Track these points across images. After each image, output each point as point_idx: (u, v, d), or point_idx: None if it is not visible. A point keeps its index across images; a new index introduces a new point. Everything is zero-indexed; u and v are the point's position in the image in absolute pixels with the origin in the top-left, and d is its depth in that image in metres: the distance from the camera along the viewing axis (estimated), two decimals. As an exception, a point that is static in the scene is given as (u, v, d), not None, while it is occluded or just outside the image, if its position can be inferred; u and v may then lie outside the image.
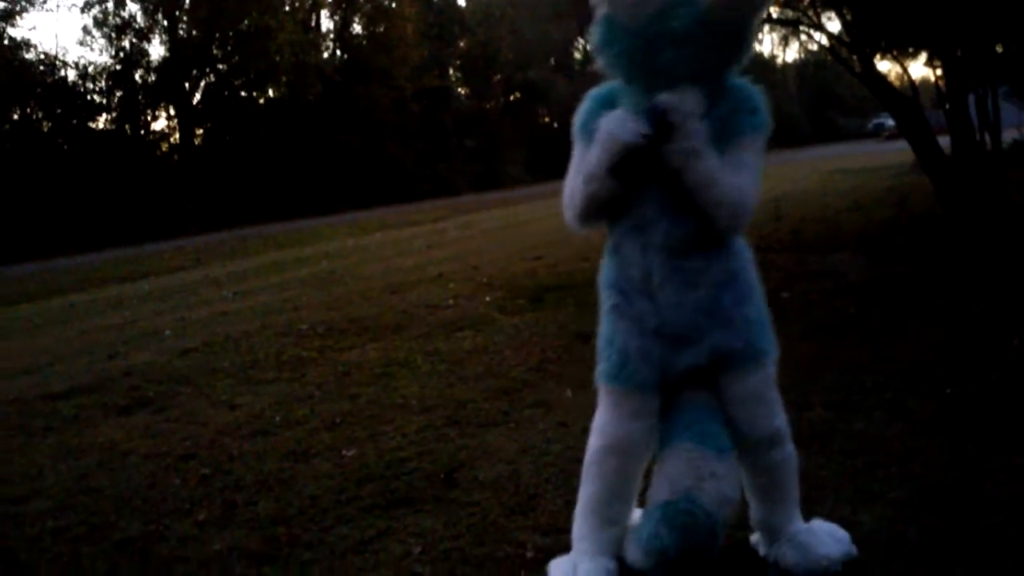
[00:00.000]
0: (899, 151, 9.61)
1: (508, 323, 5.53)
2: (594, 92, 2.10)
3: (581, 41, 37.00)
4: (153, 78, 28.29)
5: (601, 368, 2.09)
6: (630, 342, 2.02)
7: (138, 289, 10.67)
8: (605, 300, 2.10)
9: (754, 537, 2.21)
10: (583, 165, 2.00)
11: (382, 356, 4.99)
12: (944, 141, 8.71)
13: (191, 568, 2.54)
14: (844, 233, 7.97)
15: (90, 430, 4.15)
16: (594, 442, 2.09)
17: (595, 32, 1.98)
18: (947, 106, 8.88)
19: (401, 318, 6.10)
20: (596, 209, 2.02)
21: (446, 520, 2.64)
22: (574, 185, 2.02)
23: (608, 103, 2.03)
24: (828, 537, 2.10)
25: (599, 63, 2.03)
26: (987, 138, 8.59)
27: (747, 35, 1.94)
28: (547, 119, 38.10)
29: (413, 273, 8.73)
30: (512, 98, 38.17)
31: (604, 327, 2.10)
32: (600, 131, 1.94)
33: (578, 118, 2.08)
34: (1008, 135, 10.92)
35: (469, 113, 35.87)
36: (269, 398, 4.36)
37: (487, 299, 6.49)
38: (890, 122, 23.16)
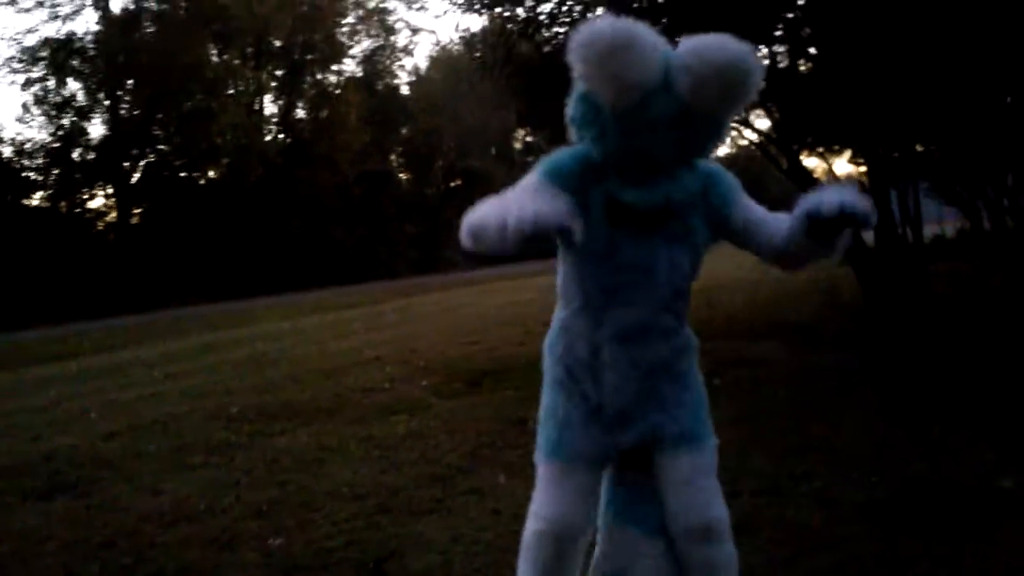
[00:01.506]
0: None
1: (444, 407, 5.50)
2: (571, 149, 1.95)
3: (521, 132, 37.82)
4: (92, 156, 28.09)
5: (541, 442, 2.01)
6: (573, 415, 1.96)
7: (66, 369, 10.37)
8: (549, 370, 2.03)
9: None
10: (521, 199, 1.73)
11: (314, 441, 4.91)
12: (869, 235, 9.03)
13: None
14: (775, 321, 8.15)
15: (6, 516, 3.99)
16: (531, 526, 1.98)
17: (572, 107, 1.89)
18: (870, 200, 9.22)
19: (335, 402, 6.02)
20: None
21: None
22: (505, 205, 1.70)
23: (585, 162, 1.90)
24: None
25: (571, 134, 1.94)
26: (908, 232, 8.94)
27: (724, 125, 1.90)
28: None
29: (349, 356, 8.65)
30: (453, 184, 38.63)
31: (547, 399, 2.03)
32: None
33: (550, 159, 1.93)
34: (929, 230, 11.38)
35: (410, 199, 36.17)
36: (195, 484, 4.23)
37: (423, 383, 6.45)
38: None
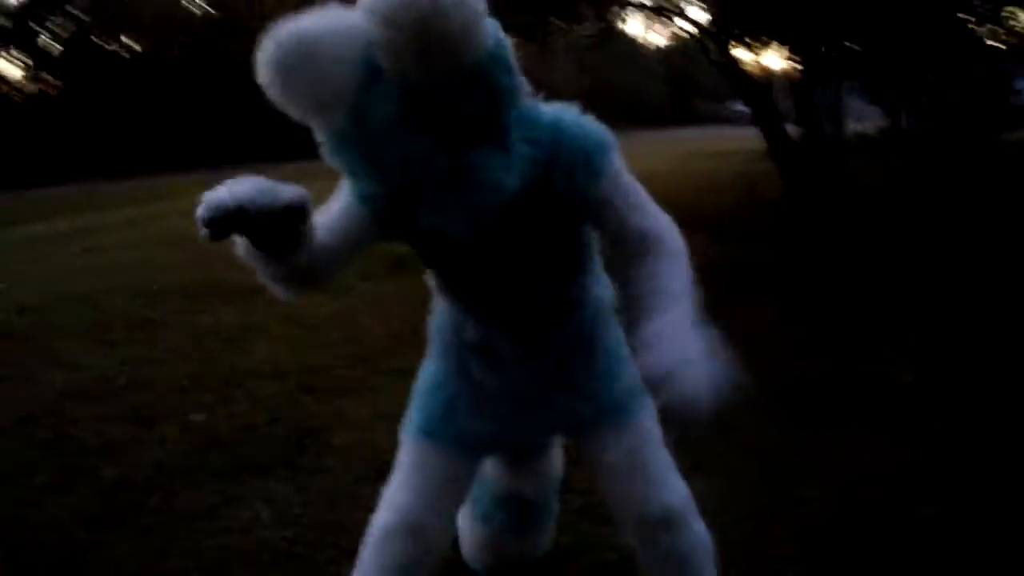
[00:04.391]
0: (752, 138, 10.12)
1: (368, 289, 5.52)
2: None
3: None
4: (5, 21, 26.50)
5: (414, 414, 1.63)
6: (463, 392, 1.61)
7: (-24, 241, 10.02)
8: (435, 343, 1.68)
9: None
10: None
11: (238, 320, 4.91)
12: (793, 130, 9.19)
13: (29, 532, 2.47)
14: (696, 213, 8.29)
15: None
16: (381, 517, 1.57)
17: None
18: (797, 96, 9.36)
19: (259, 281, 5.98)
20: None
21: (296, 486, 2.66)
22: None
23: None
24: None
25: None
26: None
27: (478, 84, 1.26)
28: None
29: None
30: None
31: (429, 371, 1.67)
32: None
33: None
34: (852, 127, 11.62)
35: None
36: (115, 360, 4.23)
37: (348, 265, 6.44)
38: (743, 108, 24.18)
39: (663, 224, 1.45)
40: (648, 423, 1.59)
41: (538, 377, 1.59)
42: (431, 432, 1.59)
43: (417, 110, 1.24)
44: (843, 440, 2.81)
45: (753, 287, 5.06)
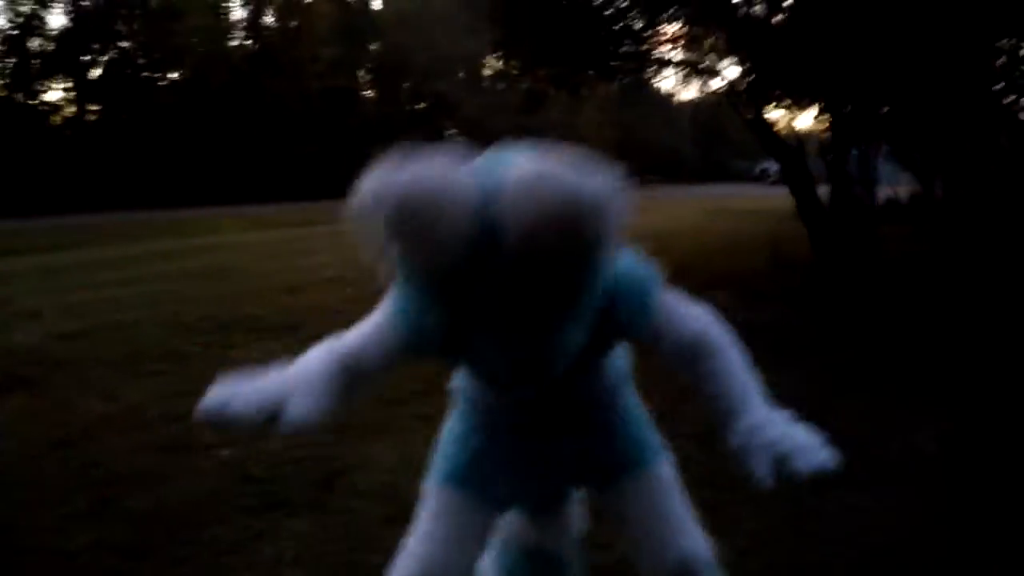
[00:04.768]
0: (781, 196, 10.17)
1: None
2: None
3: (490, 59, 37.30)
4: (51, 47, 27.20)
5: (440, 462, 1.67)
6: (486, 446, 1.65)
7: (17, 266, 10.26)
8: (459, 400, 1.74)
9: None
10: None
11: (270, 357, 4.95)
12: (824, 192, 9.24)
13: (62, 559, 2.54)
14: (723, 272, 8.33)
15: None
16: (403, 568, 1.59)
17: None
18: (828, 158, 9.42)
19: (292, 319, 6.10)
20: None
21: (322, 525, 2.71)
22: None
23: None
24: None
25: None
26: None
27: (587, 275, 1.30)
28: (453, 132, 38.26)
29: (308, 274, 8.71)
30: (419, 107, 38.17)
31: (453, 425, 1.72)
32: None
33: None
34: (884, 192, 11.64)
35: (376, 118, 35.71)
36: (148, 391, 4.32)
37: (381, 306, 6.52)
38: (775, 167, 24.24)
39: (707, 323, 1.51)
40: (667, 474, 1.65)
41: (560, 435, 1.64)
42: (456, 481, 1.63)
43: (523, 283, 1.25)
44: (858, 504, 2.83)
45: (777, 349, 5.07)
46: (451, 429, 1.72)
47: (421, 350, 1.48)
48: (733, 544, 1.77)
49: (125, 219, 18.80)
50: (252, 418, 1.34)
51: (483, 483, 1.63)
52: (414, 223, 1.19)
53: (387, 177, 1.20)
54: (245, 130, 28.17)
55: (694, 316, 1.51)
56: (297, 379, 1.46)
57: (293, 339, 5.44)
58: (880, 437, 3.45)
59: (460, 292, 1.30)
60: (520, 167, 1.20)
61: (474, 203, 1.22)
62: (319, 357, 1.50)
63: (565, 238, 1.19)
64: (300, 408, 1.38)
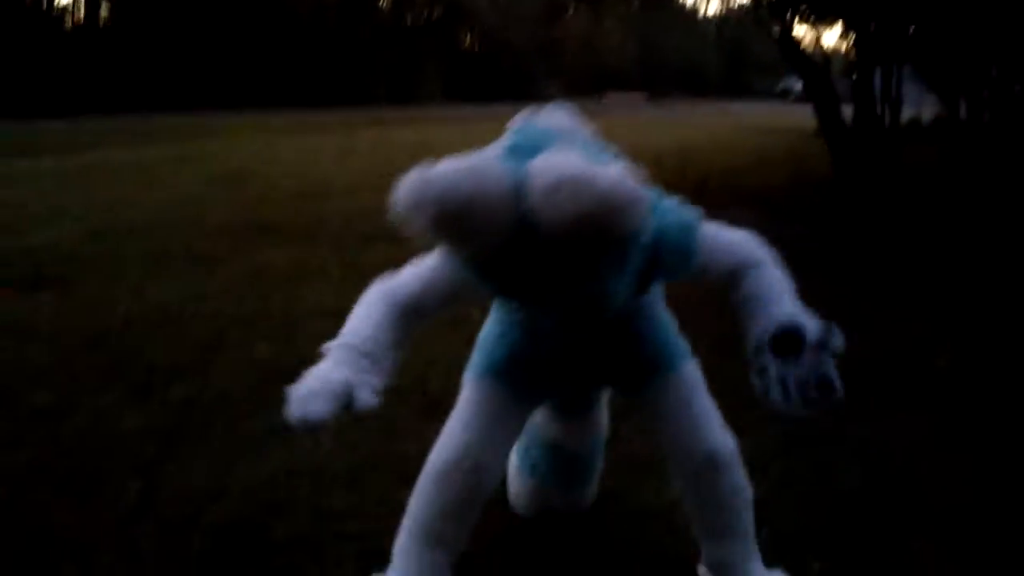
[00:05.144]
0: (803, 114, 10.06)
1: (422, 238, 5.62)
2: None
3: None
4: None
5: (477, 360, 1.78)
6: (523, 342, 1.73)
7: (35, 167, 10.28)
8: (499, 306, 1.81)
9: (702, 570, 1.87)
10: None
11: (294, 261, 5.07)
12: (847, 111, 9.14)
13: (103, 442, 2.63)
14: (745, 189, 8.33)
15: (-9, 306, 4.11)
16: (441, 454, 1.69)
17: None
18: (854, 77, 9.29)
19: (312, 226, 6.15)
20: None
21: (356, 418, 2.79)
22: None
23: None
24: None
25: None
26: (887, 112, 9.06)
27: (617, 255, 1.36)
28: (468, 42, 37.60)
29: (325, 181, 8.72)
30: (434, 16, 37.43)
31: (491, 323, 1.82)
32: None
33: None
34: (907, 113, 11.48)
35: (389, 25, 35.08)
36: (178, 291, 4.40)
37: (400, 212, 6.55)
38: (797, 85, 23.85)
39: (749, 250, 1.60)
40: (696, 376, 1.77)
41: (596, 339, 1.71)
42: (494, 373, 1.73)
43: (558, 258, 1.29)
44: (876, 417, 2.90)
45: (797, 265, 5.11)
46: (491, 328, 1.80)
47: (479, 295, 1.59)
48: (743, 447, 1.83)
49: (137, 121, 18.71)
50: (332, 414, 1.42)
51: (520, 378, 1.72)
52: (453, 229, 1.27)
53: (424, 186, 1.25)
54: (259, 37, 27.78)
55: (737, 241, 1.59)
56: (364, 345, 1.55)
57: (314, 245, 5.51)
58: (893, 353, 3.51)
59: (505, 268, 1.36)
60: (544, 169, 1.24)
61: (510, 201, 1.25)
62: (381, 312, 1.61)
63: (599, 234, 1.23)
64: (368, 392, 1.48)
